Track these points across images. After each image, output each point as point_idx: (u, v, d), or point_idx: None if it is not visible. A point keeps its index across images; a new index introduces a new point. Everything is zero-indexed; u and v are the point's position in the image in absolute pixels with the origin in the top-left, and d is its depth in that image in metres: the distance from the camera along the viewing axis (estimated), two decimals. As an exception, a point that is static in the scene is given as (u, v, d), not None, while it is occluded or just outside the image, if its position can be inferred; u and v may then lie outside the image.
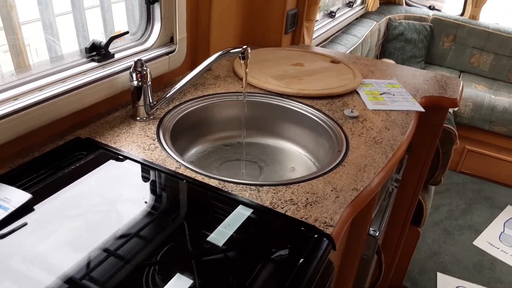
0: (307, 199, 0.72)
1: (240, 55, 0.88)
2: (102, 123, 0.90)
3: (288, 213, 0.68)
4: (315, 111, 1.05)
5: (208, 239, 0.62)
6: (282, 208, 0.69)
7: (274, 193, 0.73)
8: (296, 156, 1.07)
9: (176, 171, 0.76)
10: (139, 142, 0.84)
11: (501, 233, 2.32)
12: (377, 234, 0.90)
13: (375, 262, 1.07)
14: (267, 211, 0.69)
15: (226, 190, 0.72)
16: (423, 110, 1.11)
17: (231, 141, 1.10)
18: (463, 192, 2.65)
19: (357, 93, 1.17)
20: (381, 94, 1.18)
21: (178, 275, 0.55)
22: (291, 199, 0.71)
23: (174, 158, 0.79)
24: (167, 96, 0.92)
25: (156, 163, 0.78)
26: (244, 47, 0.87)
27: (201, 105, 1.04)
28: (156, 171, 0.76)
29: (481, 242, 2.22)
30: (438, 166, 1.61)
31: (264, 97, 1.10)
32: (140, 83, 0.88)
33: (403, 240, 1.61)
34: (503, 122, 2.62)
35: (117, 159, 0.78)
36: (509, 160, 2.69)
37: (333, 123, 1.00)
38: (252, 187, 0.74)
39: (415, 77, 1.33)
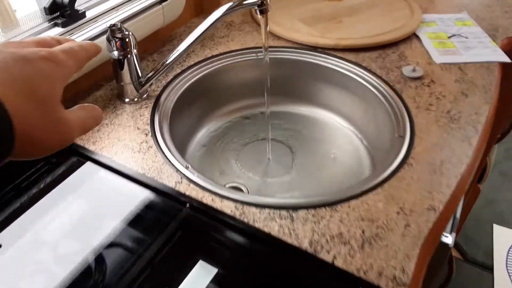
0: (363, 231, 0.50)
1: (256, 7, 0.61)
2: (79, 110, 0.67)
3: (338, 261, 0.46)
4: (361, 71, 0.78)
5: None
6: (328, 251, 0.48)
7: (315, 221, 0.51)
8: (336, 130, 0.83)
9: (176, 188, 0.54)
10: (127, 140, 0.62)
11: None
12: (450, 242, 0.69)
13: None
14: (306, 256, 0.47)
15: (246, 221, 0.51)
16: (509, 60, 0.81)
17: (252, 112, 0.86)
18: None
19: (417, 37, 0.88)
20: (449, 37, 0.88)
21: None
22: (340, 233, 0.49)
23: (174, 166, 0.57)
24: (160, 68, 0.68)
25: (149, 175, 0.56)
26: (264, -5, 0.60)
27: (210, 70, 0.78)
28: (149, 190, 0.55)
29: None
30: None
31: (291, 53, 0.83)
32: (121, 55, 0.64)
33: (466, 197, 1.40)
34: None
35: (96, 172, 0.57)
36: None
37: (389, 89, 0.73)
38: (283, 211, 0.52)
39: (491, 8, 1.01)
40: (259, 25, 0.90)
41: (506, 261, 1.73)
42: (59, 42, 0.33)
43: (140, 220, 0.52)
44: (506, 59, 0.81)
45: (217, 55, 0.81)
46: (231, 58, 0.81)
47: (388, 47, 0.84)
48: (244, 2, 0.60)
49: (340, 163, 0.77)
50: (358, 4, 0.98)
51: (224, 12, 0.62)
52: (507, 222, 1.77)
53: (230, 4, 0.62)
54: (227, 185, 0.72)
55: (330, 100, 0.84)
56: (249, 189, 0.72)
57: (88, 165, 0.58)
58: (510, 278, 1.70)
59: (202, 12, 0.95)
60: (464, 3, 1.02)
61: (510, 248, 1.70)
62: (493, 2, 1.03)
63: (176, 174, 0.56)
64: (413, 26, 0.88)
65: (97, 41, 0.68)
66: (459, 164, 0.58)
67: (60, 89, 0.30)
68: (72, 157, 0.60)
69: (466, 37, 0.88)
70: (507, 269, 1.71)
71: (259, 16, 0.62)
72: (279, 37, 0.86)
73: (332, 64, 0.81)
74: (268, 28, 0.70)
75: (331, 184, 0.73)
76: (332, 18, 0.92)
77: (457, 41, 0.86)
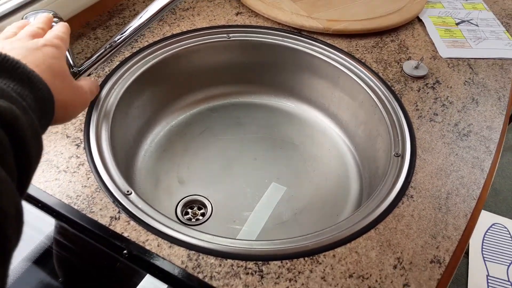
0: (351, 296, 0.39)
1: None
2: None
3: None
4: (354, 64, 0.64)
5: None
6: (306, 328, 0.37)
7: (291, 278, 0.39)
8: (320, 131, 0.70)
9: (111, 227, 0.41)
10: (51, 153, 0.47)
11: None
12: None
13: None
14: (276, 335, 0.36)
15: (201, 277, 0.39)
16: (526, 57, 0.69)
17: (221, 103, 0.72)
18: None
19: (420, 21, 0.74)
20: (457, 24, 0.75)
21: None
22: (323, 299, 0.38)
23: (110, 193, 0.44)
24: (103, 53, 0.52)
25: (76, 206, 0.43)
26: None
27: (168, 53, 0.63)
28: (75, 230, 0.42)
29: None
30: None
31: (270, 35, 0.68)
32: (45, 36, 0.48)
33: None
34: None
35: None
36: None
37: (386, 90, 0.60)
38: (250, 263, 0.40)
39: (504, -12, 0.87)
40: (234, -4, 0.74)
41: (482, 245, 1.71)
42: (44, 30, 0.40)
43: (60, 272, 0.39)
44: (521, 55, 0.69)
45: (177, 34, 0.65)
46: (195, 39, 0.66)
47: (386, 34, 0.71)
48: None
49: (323, 172, 0.65)
50: (352, -25, 0.82)
51: None
52: (486, 204, 1.73)
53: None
54: (187, 198, 0.59)
55: (315, 96, 0.71)
56: (214, 204, 0.60)
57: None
58: (485, 263, 1.68)
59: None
60: (473, -19, 0.88)
61: (486, 231, 1.67)
62: (505, -18, 0.90)
63: (112, 205, 0.43)
64: (416, 8, 0.74)
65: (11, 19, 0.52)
66: (469, 199, 0.47)
67: (65, 65, 0.36)
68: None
69: (477, 25, 0.75)
70: (482, 254, 1.69)
71: None
72: (257, 14, 0.71)
73: (319, 52, 0.67)
74: None
75: (312, 200, 0.61)
76: (322, -8, 0.77)
77: (466, 30, 0.73)
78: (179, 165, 0.63)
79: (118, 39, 0.51)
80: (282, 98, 0.73)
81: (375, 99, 0.60)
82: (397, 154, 0.52)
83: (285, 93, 0.72)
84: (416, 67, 0.63)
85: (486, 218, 1.69)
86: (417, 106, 0.58)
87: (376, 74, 0.63)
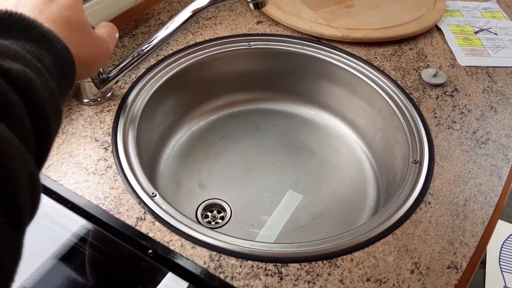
0: (369, 300, 0.40)
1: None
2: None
3: None
4: (372, 71, 0.65)
5: None
6: (324, 329, 0.38)
7: (309, 281, 0.40)
8: (338, 138, 0.71)
9: (137, 228, 0.43)
10: (81, 156, 0.50)
11: None
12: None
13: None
14: (295, 334, 0.37)
15: (223, 277, 0.40)
16: (546, 65, 0.69)
17: (241, 109, 0.74)
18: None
19: (439, 30, 0.75)
20: (476, 32, 0.75)
21: None
22: (340, 301, 0.39)
23: (137, 195, 0.46)
24: (130, 61, 0.54)
25: (104, 206, 0.45)
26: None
27: (192, 61, 0.65)
28: (103, 229, 0.44)
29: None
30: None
31: (290, 44, 0.70)
32: (77, 45, 0.51)
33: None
34: None
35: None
36: None
37: (404, 98, 0.61)
38: (270, 265, 0.41)
39: (525, -4, 0.87)
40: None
41: (500, 256, 1.68)
42: None
43: (88, 270, 0.42)
44: (541, 64, 0.69)
45: (200, 43, 0.67)
46: (217, 47, 0.68)
47: (405, 42, 0.72)
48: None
49: (340, 178, 0.66)
50: (371, -16, 0.83)
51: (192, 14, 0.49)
52: (504, 214, 1.70)
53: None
54: (206, 202, 0.61)
55: (333, 103, 0.72)
56: (233, 208, 0.61)
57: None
58: (503, 274, 1.65)
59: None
60: (493, -11, 0.88)
61: (504, 242, 1.64)
62: (525, -10, 0.89)
63: (138, 207, 0.45)
64: (435, 17, 0.75)
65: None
66: (487, 206, 0.48)
67: (83, 15, 0.33)
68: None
69: (495, 33, 0.75)
70: (500, 265, 1.66)
71: (251, 8, 0.49)
72: (277, 23, 0.73)
73: (338, 60, 0.68)
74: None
75: (329, 206, 0.62)
76: (342, 1, 0.78)
77: (485, 38, 0.74)
78: (200, 169, 0.65)
79: (145, 48, 0.54)
80: (301, 105, 0.74)
81: (393, 106, 0.61)
82: (415, 161, 0.53)
83: (304, 100, 0.74)
84: (435, 75, 0.64)
85: (504, 229, 1.67)
86: (435, 113, 0.59)
87: (394, 82, 0.64)
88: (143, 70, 0.61)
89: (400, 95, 0.62)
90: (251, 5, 0.49)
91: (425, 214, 0.47)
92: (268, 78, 0.72)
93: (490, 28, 0.76)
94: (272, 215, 0.60)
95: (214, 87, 0.70)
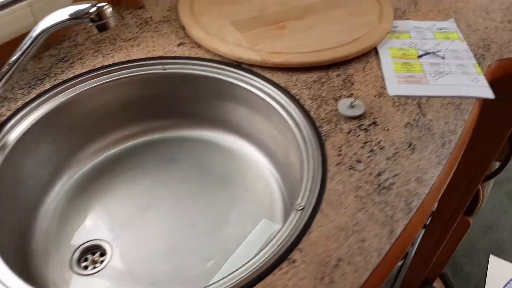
0: None
1: (90, 22, 0.43)
2: None
3: None
4: (287, 100, 0.59)
5: None
6: None
7: None
8: (255, 168, 0.65)
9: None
10: None
11: None
12: None
13: None
14: None
15: None
16: (492, 96, 0.60)
17: (154, 137, 0.69)
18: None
19: (378, 54, 0.68)
20: (420, 56, 0.67)
21: None
22: None
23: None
24: None
25: None
26: (100, 4, 0.42)
27: (92, 86, 0.61)
28: None
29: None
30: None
31: (207, 67, 0.65)
32: None
33: (449, 232, 1.20)
34: None
35: None
36: None
37: (311, 132, 0.55)
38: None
39: (490, 15, 0.78)
40: (183, 26, 0.71)
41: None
42: None
43: None
44: (487, 93, 0.60)
45: (108, 66, 0.64)
46: (128, 71, 0.64)
47: (334, 67, 0.65)
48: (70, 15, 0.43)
49: (250, 214, 0.59)
50: (320, 2, 0.77)
51: (37, 36, 0.45)
52: (507, 253, 1.55)
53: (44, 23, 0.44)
54: (88, 243, 0.56)
55: (252, 131, 0.66)
56: (115, 252, 0.55)
57: None
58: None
59: (118, 3, 0.77)
60: (457, 7, 0.79)
61: (506, 284, 1.49)
62: (495, 6, 0.80)
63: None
64: (373, 39, 0.68)
65: None
66: (362, 269, 0.40)
67: None
68: None
69: (443, 57, 0.67)
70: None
71: (94, 30, 0.44)
72: (199, 45, 0.68)
73: (255, 87, 0.62)
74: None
75: (230, 249, 0.56)
76: (276, 21, 0.72)
77: (429, 63, 0.65)
78: (93, 206, 0.61)
79: None
80: (217, 132, 0.69)
81: (300, 141, 0.54)
82: (300, 206, 0.46)
83: (218, 127, 0.68)
84: (352, 106, 0.57)
85: (507, 270, 1.52)
86: (340, 150, 0.52)
87: (307, 113, 0.57)
88: (34, 95, 0.58)
89: (308, 128, 0.55)
90: (94, 28, 0.44)
91: (284, 276, 0.40)
92: (182, 104, 0.67)
93: (438, 51, 0.68)
94: (161, 262, 0.55)
95: (122, 114, 0.66)
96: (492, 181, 1.27)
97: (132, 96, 0.65)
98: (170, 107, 0.67)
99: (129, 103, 0.65)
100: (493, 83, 0.66)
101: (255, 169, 0.65)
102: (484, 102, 0.61)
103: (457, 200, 1.03)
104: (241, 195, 0.62)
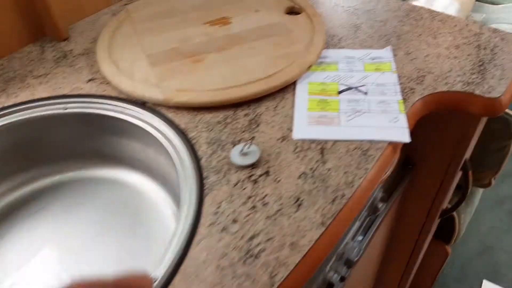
0: None
1: None
2: None
3: None
4: (181, 143, 0.55)
5: None
6: None
7: None
8: (160, 207, 0.61)
9: None
10: None
11: None
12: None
13: None
14: None
15: None
16: (407, 140, 0.54)
17: (59, 178, 0.66)
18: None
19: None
20: (340, 92, 0.61)
21: None
22: None
23: None
24: None
25: None
26: None
27: (-9, 129, 0.59)
28: None
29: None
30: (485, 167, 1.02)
31: (109, 106, 0.61)
32: None
33: (419, 255, 1.12)
34: None
35: None
36: None
37: (194, 184, 0.50)
38: None
39: (439, 38, 0.71)
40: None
41: None
42: None
43: None
44: (402, 137, 0.54)
45: (9, 107, 0.61)
46: (29, 111, 0.61)
47: (245, 105, 0.60)
48: None
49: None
50: (247, 31, 0.72)
51: None
52: (502, 278, 1.44)
53: None
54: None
55: (156, 169, 0.62)
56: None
57: None
58: None
59: (43, 35, 0.75)
60: (401, 31, 0.73)
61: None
62: (446, 30, 0.73)
63: None
64: (291, 74, 0.62)
65: None
66: None
67: None
68: None
69: (365, 93, 0.61)
70: None
71: None
72: (108, 82, 0.65)
73: (154, 128, 0.58)
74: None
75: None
76: (194, 53, 0.68)
77: (347, 100, 0.60)
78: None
79: None
80: (119, 170, 0.65)
81: (183, 196, 0.50)
82: (155, 279, 0.42)
83: (122, 164, 0.65)
84: (245, 154, 0.52)
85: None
86: (219, 208, 0.47)
87: (197, 162, 0.52)
88: None
89: (193, 180, 0.51)
90: None
91: None
92: (84, 144, 0.64)
93: (363, 85, 0.62)
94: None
95: (26, 155, 0.63)
96: (472, 208, 1.18)
97: (32, 137, 0.63)
98: (72, 147, 0.64)
99: (27, 145, 0.63)
100: (422, 120, 0.59)
101: (159, 207, 0.61)
102: (402, 149, 0.55)
103: (417, 231, 0.95)
104: (144, 232, 0.58)
